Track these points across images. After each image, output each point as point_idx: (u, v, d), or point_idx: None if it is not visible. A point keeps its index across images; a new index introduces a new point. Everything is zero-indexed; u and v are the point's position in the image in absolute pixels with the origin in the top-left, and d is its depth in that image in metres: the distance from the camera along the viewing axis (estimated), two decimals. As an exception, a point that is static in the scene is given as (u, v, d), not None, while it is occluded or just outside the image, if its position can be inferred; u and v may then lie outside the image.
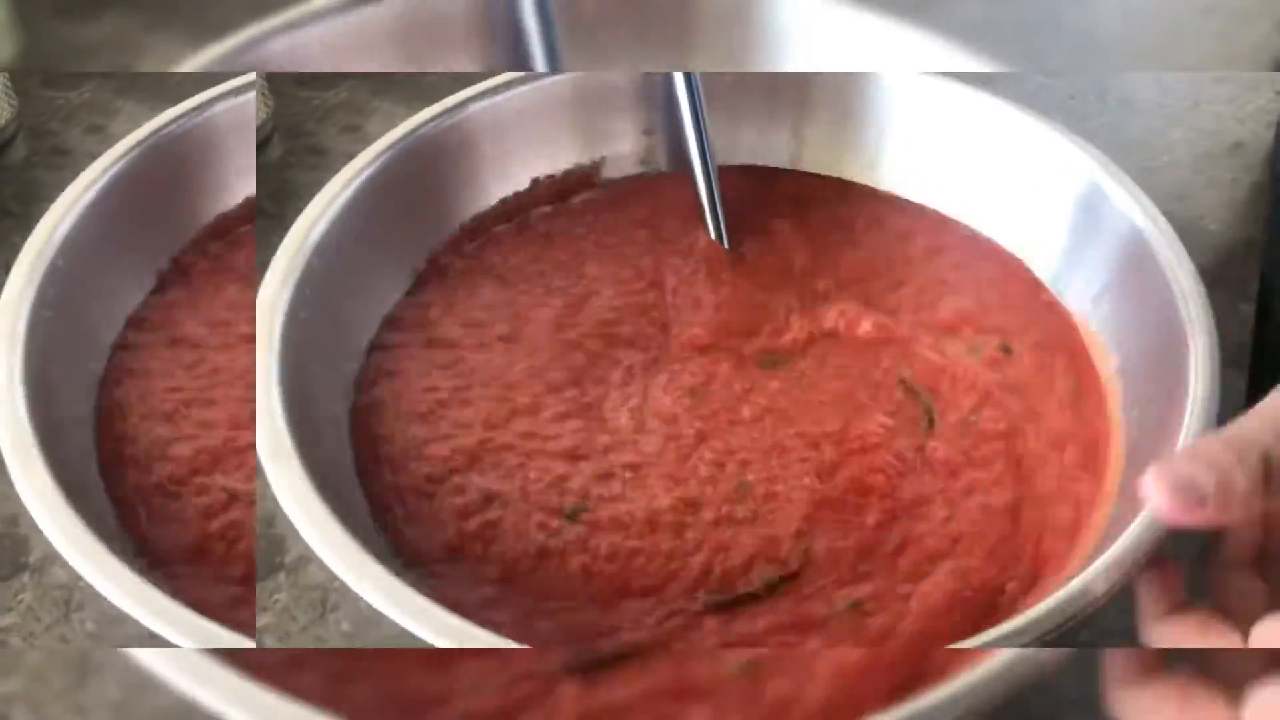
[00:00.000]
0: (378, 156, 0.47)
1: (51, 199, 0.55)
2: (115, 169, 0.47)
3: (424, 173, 0.49)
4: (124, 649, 0.34)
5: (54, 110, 0.58)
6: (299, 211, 0.53)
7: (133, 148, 0.48)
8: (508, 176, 0.51)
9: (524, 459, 0.43)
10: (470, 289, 0.49)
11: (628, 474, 0.43)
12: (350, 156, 0.56)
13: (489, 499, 0.42)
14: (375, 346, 0.47)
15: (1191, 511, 0.33)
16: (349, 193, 0.47)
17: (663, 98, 0.52)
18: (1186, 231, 0.47)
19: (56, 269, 0.44)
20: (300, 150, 0.56)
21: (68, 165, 0.56)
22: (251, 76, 0.50)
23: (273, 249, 0.50)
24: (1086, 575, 0.36)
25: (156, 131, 0.49)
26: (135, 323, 0.48)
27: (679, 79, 0.50)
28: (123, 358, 0.46)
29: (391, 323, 0.47)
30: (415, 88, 0.59)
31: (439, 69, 0.53)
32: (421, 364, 0.46)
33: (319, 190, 0.54)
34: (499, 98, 0.50)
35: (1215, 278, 0.45)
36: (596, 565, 0.40)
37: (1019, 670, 0.34)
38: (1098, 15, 0.61)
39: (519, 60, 0.52)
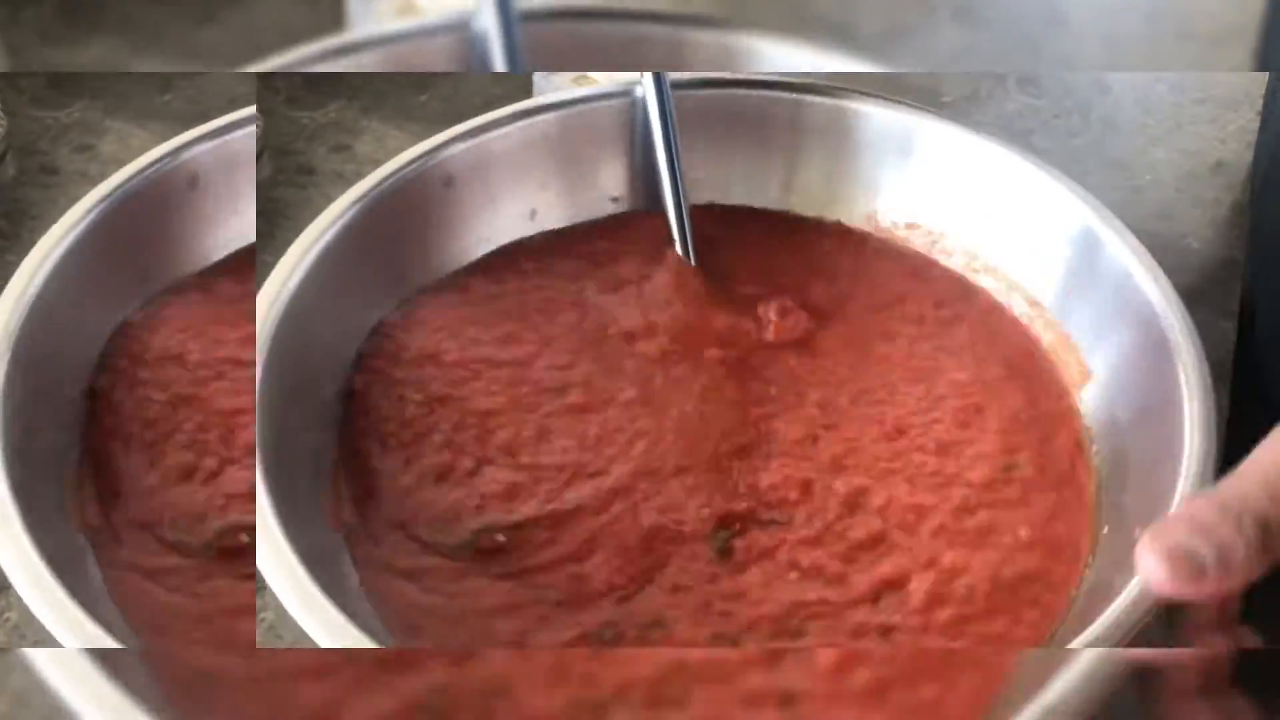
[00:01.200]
0: (354, 203, 0.47)
1: (41, 217, 0.55)
2: (100, 207, 0.47)
3: (402, 216, 0.48)
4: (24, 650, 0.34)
5: (43, 129, 0.59)
6: (289, 230, 0.53)
7: (116, 188, 0.48)
8: (494, 215, 0.50)
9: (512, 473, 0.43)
10: (442, 322, 0.48)
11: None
12: (339, 175, 0.57)
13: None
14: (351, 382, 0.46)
15: (1190, 584, 0.32)
16: (327, 238, 0.46)
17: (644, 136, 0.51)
18: (1170, 250, 0.48)
19: (44, 295, 0.44)
20: (290, 169, 0.56)
21: (57, 184, 0.56)
22: (251, 110, 0.50)
23: (262, 266, 0.51)
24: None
25: (141, 171, 0.48)
26: (122, 347, 0.47)
27: (647, 79, 0.49)
28: (108, 383, 0.46)
29: (367, 354, 0.47)
30: (404, 108, 0.59)
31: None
32: (402, 390, 0.46)
33: (307, 209, 0.54)
34: (482, 138, 0.49)
35: (1198, 295, 0.45)
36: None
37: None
38: (1075, 40, 0.62)
39: (479, 62, 0.52)
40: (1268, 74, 0.56)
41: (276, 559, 0.37)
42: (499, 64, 0.50)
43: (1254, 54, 0.55)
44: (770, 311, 0.48)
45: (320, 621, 0.35)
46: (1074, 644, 0.35)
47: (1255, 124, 0.60)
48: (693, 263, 0.50)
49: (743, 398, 0.46)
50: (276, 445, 0.40)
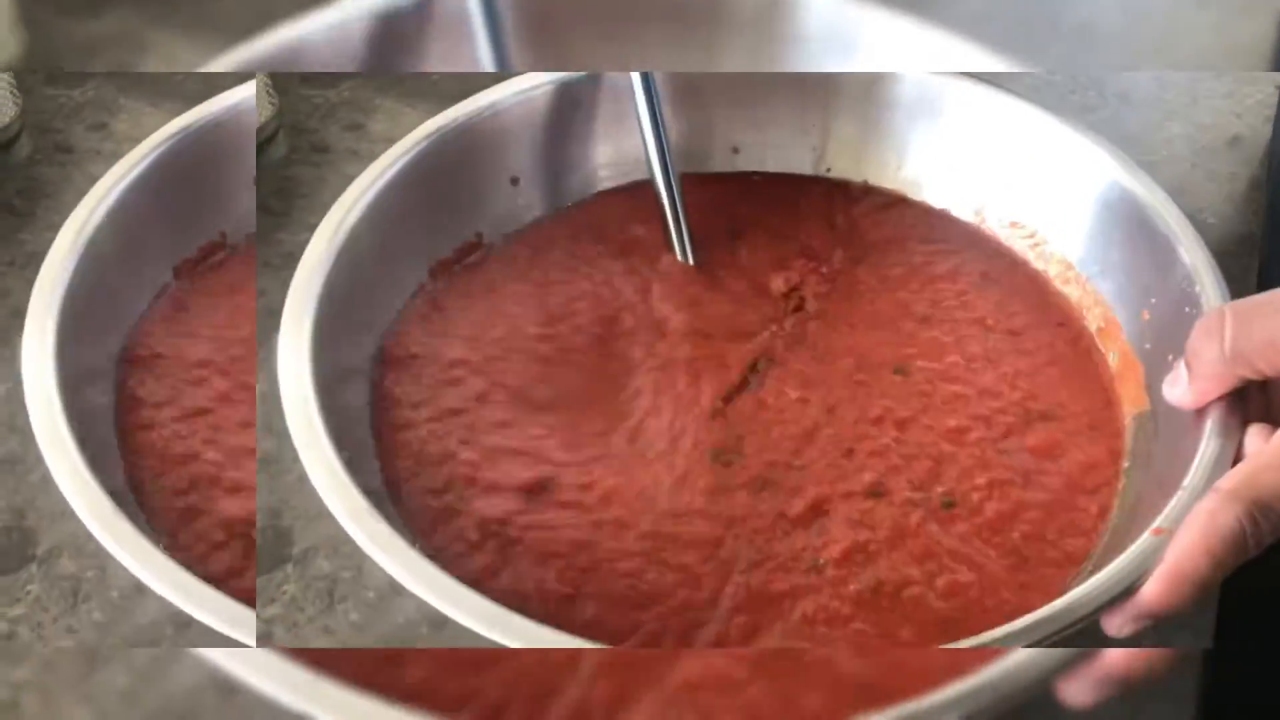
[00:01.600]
0: (399, 157, 0.48)
1: (56, 195, 0.55)
2: (131, 174, 0.48)
3: (447, 173, 0.49)
4: (197, 649, 0.36)
5: (57, 108, 0.59)
6: (303, 209, 0.53)
7: (145, 155, 0.49)
8: (528, 182, 0.51)
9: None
10: (465, 295, 0.49)
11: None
12: (354, 154, 0.57)
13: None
14: (388, 344, 0.47)
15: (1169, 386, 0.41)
16: (372, 192, 0.47)
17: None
18: (1185, 226, 0.48)
19: (84, 261, 0.46)
20: (304, 148, 0.56)
21: (71, 162, 0.56)
22: (253, 82, 0.50)
23: (277, 245, 0.51)
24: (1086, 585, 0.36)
25: (171, 137, 0.49)
26: (153, 316, 0.48)
27: (636, 80, 0.49)
28: (139, 354, 0.47)
29: (402, 323, 0.48)
30: (418, 86, 0.59)
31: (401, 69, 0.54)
32: (428, 368, 0.46)
33: (322, 187, 0.55)
34: (525, 96, 0.50)
35: (1213, 271, 0.45)
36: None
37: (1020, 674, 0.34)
38: (1095, 7, 0.61)
39: (469, 61, 0.52)
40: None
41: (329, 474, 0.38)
42: (486, 64, 0.50)
43: (1275, 22, 0.54)
44: (781, 282, 0.49)
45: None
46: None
47: (1273, 98, 0.59)
48: (691, 261, 0.50)
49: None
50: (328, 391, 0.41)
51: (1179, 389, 0.41)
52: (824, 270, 0.50)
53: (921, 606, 0.40)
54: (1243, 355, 0.39)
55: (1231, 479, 0.37)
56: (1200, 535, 0.35)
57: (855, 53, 0.51)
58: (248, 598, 0.38)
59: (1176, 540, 0.36)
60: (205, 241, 0.51)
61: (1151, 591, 0.36)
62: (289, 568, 0.42)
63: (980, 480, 0.43)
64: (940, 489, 0.43)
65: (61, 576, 0.42)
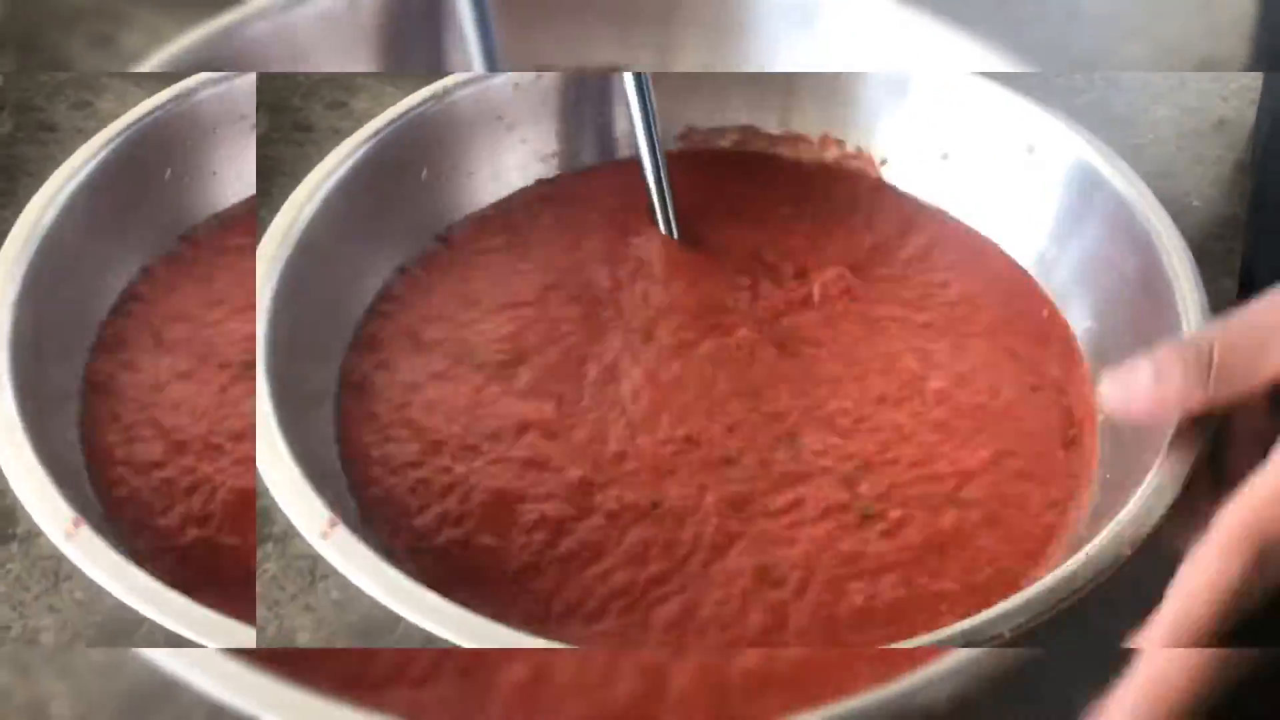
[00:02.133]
0: (357, 148, 0.47)
1: (38, 174, 0.55)
2: (101, 154, 0.48)
3: (405, 163, 0.49)
4: (142, 650, 0.35)
5: (39, 86, 0.58)
6: (285, 188, 0.53)
7: (119, 134, 0.48)
8: (493, 168, 0.51)
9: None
10: (440, 282, 0.49)
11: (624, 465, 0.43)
12: (336, 132, 0.56)
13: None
14: (358, 339, 0.46)
15: (1127, 399, 0.38)
16: (329, 184, 0.47)
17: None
18: (1171, 208, 0.48)
19: (44, 252, 0.45)
20: (285, 126, 0.56)
21: (54, 141, 0.56)
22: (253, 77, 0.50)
23: (261, 224, 0.51)
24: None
25: (143, 117, 0.49)
26: (125, 305, 0.48)
27: (628, 79, 0.49)
28: (110, 341, 0.47)
29: (373, 313, 0.47)
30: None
31: (384, 68, 0.54)
32: (401, 357, 0.46)
33: (306, 166, 0.54)
34: (486, 84, 0.50)
35: (1199, 254, 0.45)
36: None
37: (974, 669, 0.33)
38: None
39: (458, 62, 0.52)
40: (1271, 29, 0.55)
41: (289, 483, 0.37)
42: (477, 65, 0.50)
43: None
44: (818, 284, 0.48)
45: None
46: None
47: (1258, 81, 0.59)
48: (675, 235, 0.50)
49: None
50: (283, 381, 0.41)
51: (1132, 398, 0.37)
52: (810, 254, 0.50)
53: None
54: (1227, 391, 0.36)
55: (1236, 514, 0.32)
56: (1206, 585, 0.31)
57: (816, 22, 0.50)
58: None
59: (1179, 586, 0.32)
60: (187, 224, 0.50)
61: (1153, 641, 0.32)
62: (269, 545, 0.42)
63: (900, 502, 0.41)
64: (864, 489, 0.41)
65: (42, 556, 0.42)
